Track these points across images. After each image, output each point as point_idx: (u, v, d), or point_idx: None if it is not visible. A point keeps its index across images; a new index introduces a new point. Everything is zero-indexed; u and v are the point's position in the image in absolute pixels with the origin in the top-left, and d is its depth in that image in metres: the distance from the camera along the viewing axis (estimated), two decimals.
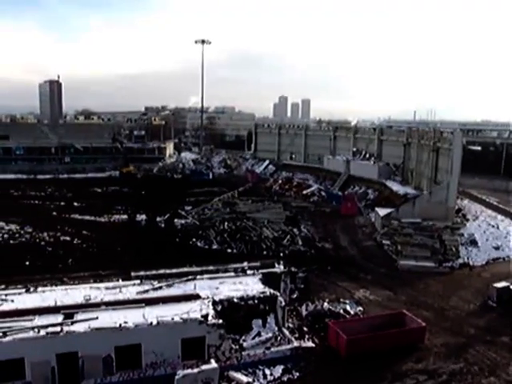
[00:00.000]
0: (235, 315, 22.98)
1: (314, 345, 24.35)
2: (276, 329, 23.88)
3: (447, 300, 31.08)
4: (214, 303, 22.64)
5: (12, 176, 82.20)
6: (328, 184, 71.51)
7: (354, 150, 74.57)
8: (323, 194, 67.33)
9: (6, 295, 22.85)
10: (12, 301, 22.26)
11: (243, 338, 22.90)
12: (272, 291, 24.46)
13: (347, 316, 27.79)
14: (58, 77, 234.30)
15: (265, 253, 38.84)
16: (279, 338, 23.48)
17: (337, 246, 43.00)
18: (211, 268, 27.15)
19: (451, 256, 38.52)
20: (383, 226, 44.95)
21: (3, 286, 24.16)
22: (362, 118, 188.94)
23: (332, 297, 30.47)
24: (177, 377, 18.90)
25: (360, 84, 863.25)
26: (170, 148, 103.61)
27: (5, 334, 18.75)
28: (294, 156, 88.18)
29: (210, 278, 25.78)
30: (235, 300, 23.32)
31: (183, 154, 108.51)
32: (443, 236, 40.53)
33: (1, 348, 18.45)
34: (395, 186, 58.56)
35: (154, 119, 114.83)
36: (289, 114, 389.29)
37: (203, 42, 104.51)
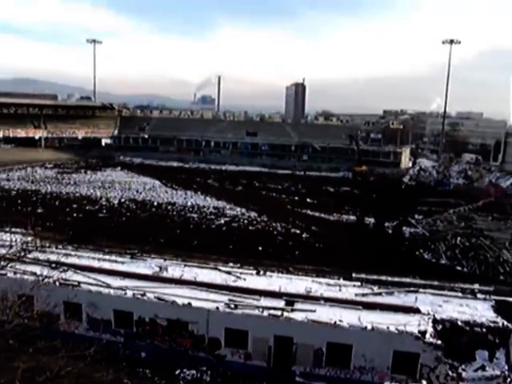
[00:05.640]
0: (457, 340, 20.93)
1: None
2: (506, 367, 20.93)
3: None
4: (435, 321, 21.06)
5: (256, 169, 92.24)
6: None
7: None
8: None
9: (240, 273, 25.72)
10: (244, 279, 24.88)
11: (463, 366, 20.71)
12: (506, 323, 21.47)
13: None
14: (303, 80, 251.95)
15: (501, 278, 34.46)
16: (509, 379, 20.52)
17: None
18: (436, 283, 25.53)
19: None
20: None
21: (239, 265, 27.42)
22: None
23: None
24: None
25: None
26: (405, 153, 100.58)
27: (236, 307, 21.19)
28: None
29: (434, 294, 24.07)
30: (459, 323, 21.27)
31: (419, 161, 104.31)
32: None
33: (232, 318, 20.93)
34: None
35: (392, 123, 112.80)
36: None
37: (451, 41, 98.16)
